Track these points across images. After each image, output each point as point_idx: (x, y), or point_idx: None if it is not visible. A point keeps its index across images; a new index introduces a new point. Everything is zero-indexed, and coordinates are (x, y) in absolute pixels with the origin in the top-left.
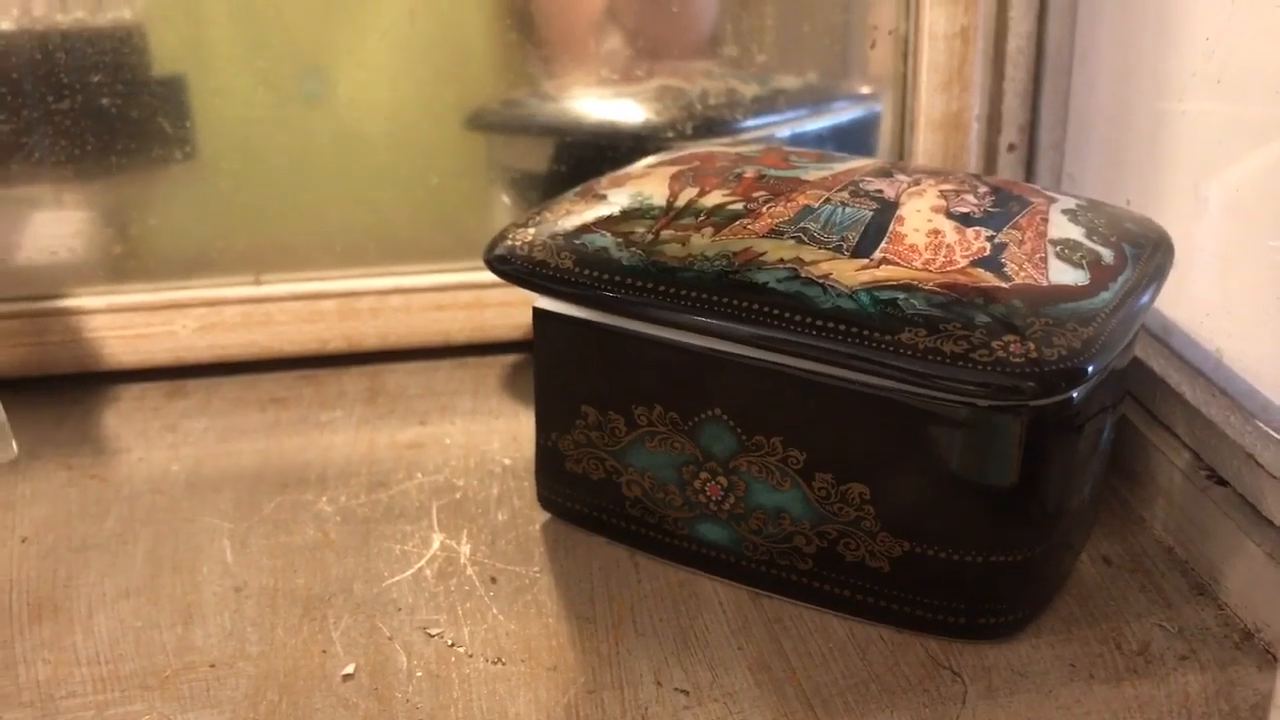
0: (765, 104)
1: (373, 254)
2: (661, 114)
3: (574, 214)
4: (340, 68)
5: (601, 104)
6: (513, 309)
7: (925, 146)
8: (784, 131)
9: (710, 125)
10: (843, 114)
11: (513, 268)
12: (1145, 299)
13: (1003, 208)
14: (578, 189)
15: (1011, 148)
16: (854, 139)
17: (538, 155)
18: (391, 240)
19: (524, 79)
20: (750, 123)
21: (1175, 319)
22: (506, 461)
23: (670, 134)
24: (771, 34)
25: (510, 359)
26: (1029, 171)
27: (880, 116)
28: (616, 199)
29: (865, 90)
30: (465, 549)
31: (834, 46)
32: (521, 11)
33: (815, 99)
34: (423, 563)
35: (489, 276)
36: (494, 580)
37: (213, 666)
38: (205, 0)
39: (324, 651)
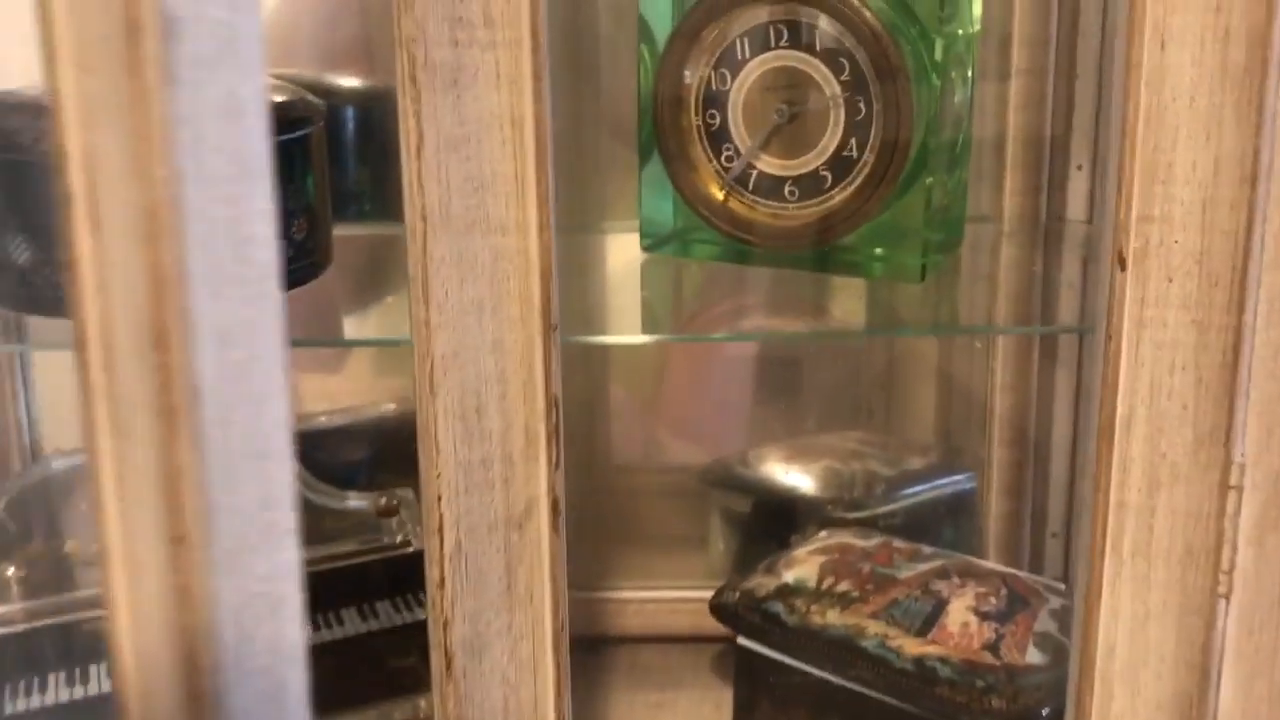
0: (894, 482)
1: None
2: (823, 491)
3: (762, 585)
4: None
5: (786, 475)
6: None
7: (995, 524)
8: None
9: (855, 503)
10: (946, 490)
11: (725, 616)
12: None
13: (1011, 608)
14: (765, 563)
15: (1055, 535)
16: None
17: (743, 504)
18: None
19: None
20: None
21: None
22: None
23: (830, 506)
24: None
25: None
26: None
27: (974, 491)
28: (787, 576)
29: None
30: None
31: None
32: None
33: (928, 478)
34: None
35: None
36: None
37: None
38: None
39: None
